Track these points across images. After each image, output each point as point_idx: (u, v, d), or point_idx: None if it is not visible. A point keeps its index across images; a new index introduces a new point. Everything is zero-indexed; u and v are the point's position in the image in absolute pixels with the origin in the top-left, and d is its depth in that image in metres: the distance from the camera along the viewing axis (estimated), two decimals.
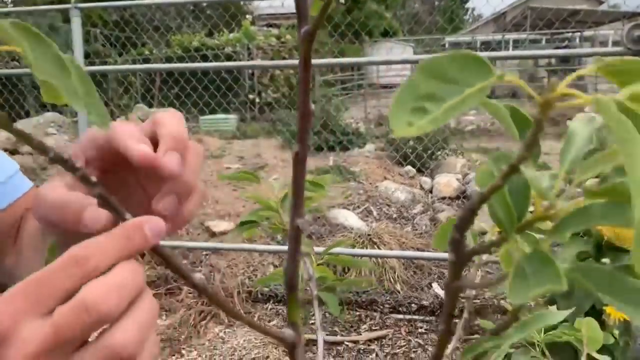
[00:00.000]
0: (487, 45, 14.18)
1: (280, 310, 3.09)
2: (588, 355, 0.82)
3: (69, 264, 0.32)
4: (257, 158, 4.70)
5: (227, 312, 0.43)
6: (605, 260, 2.03)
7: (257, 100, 10.61)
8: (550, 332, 0.86)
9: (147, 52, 10.48)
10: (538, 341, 0.95)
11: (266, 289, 3.24)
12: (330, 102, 5.27)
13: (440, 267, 3.23)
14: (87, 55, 3.23)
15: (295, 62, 6.11)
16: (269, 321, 3.01)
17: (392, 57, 4.94)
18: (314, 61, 3.67)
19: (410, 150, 4.43)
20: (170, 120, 0.42)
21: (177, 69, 4.75)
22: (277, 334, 0.48)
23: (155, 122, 0.42)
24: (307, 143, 0.38)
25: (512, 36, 14.46)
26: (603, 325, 1.98)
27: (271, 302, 3.17)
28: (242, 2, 12.38)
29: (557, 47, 13.54)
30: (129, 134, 0.40)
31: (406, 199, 3.93)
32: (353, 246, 3.26)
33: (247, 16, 13.80)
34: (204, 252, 3.52)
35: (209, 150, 5.17)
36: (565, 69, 12.36)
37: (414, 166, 4.41)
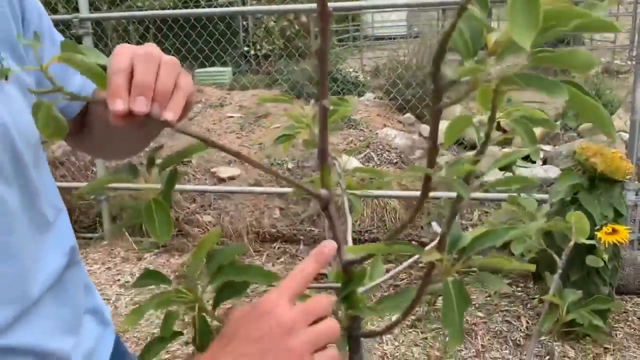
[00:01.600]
0: None
1: (287, 249, 3.25)
2: (576, 243, 0.95)
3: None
4: (258, 107, 4.77)
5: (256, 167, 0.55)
6: (599, 191, 2.17)
7: (252, 52, 10.53)
8: (545, 224, 0.98)
9: (139, 3, 10.32)
10: (534, 231, 1.08)
11: (273, 230, 3.39)
12: (329, 52, 5.25)
13: (438, 206, 3.37)
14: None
15: (293, 6, 6.09)
16: (277, 259, 3.17)
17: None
18: (307, 5, 3.67)
19: (409, 98, 4.51)
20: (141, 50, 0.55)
21: (170, 16, 4.81)
22: (314, 191, 0.60)
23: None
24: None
25: None
26: (594, 250, 2.14)
27: (278, 241, 3.32)
28: None
29: None
30: (114, 83, 0.53)
31: (406, 145, 4.04)
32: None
33: None
34: (212, 197, 3.64)
35: (209, 100, 5.22)
36: None
37: (413, 114, 4.50)
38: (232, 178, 3.85)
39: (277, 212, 3.57)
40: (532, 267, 0.51)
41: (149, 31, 8.48)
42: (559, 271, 0.94)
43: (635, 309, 2.46)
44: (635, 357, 2.15)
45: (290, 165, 3.88)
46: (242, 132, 4.34)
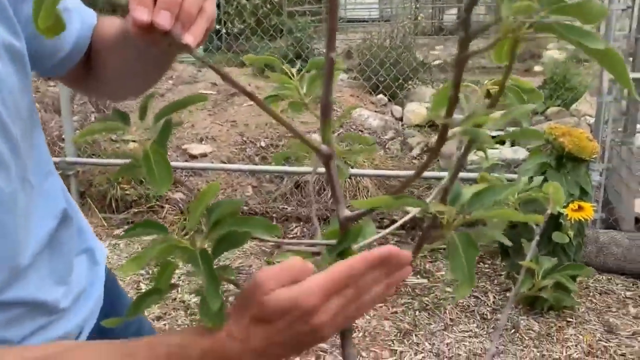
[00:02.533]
0: None
1: None
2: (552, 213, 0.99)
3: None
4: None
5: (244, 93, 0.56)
6: (566, 170, 2.24)
7: (223, 30, 10.37)
8: (523, 193, 1.02)
9: None
10: (512, 201, 1.13)
11: (245, 208, 3.38)
12: (304, 32, 5.25)
13: (410, 187, 3.42)
14: None
15: None
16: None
17: None
18: None
19: (382, 79, 4.53)
20: None
21: None
22: (316, 145, 0.61)
23: None
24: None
25: None
26: (560, 227, 2.21)
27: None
28: None
29: None
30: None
31: (378, 125, 4.07)
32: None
33: None
34: (183, 174, 3.61)
35: (180, 77, 5.15)
36: None
37: (385, 95, 4.53)
38: (203, 155, 3.82)
39: (249, 190, 3.57)
40: (541, 219, 0.53)
41: (116, 14, 8.25)
42: (536, 238, 0.98)
43: (597, 285, 2.56)
44: (596, 329, 2.25)
45: (263, 144, 3.87)
46: (214, 109, 4.30)
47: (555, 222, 2.18)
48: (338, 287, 0.52)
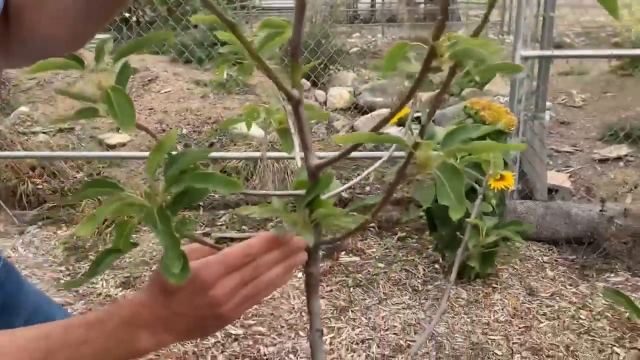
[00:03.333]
0: None
1: (186, 215, 3.15)
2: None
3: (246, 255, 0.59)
4: (147, 72, 4.54)
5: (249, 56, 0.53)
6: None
7: (133, 19, 9.94)
8: (467, 157, 1.05)
9: None
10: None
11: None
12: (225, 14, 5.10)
13: (337, 168, 3.45)
14: None
15: None
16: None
17: None
18: None
19: (303, 65, 4.52)
20: None
21: None
22: (286, 89, 0.59)
23: None
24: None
25: None
26: (484, 197, 2.30)
27: (185, 209, 3.21)
28: None
29: None
30: None
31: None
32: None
33: None
34: (100, 165, 3.43)
35: (90, 65, 4.87)
36: None
37: (307, 80, 4.53)
38: (121, 145, 3.64)
39: None
40: (523, 147, 0.54)
41: None
42: (480, 196, 1.01)
43: (516, 251, 2.71)
44: (519, 293, 2.38)
45: (185, 131, 3.75)
46: (130, 96, 4.10)
47: (477, 192, 2.27)
48: (235, 264, 0.56)
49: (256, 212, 0.70)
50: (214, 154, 3.30)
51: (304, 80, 4.70)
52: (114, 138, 3.64)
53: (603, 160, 3.52)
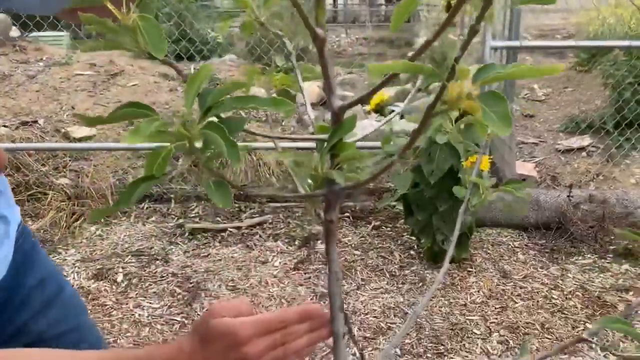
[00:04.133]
0: None
1: (158, 208, 3.10)
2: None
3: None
4: (111, 65, 4.43)
5: None
6: (462, 128, 2.37)
7: None
8: (465, 118, 1.07)
9: None
10: (450, 128, 1.17)
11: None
12: (189, 10, 5.06)
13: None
14: None
15: None
16: (147, 218, 3.01)
17: None
18: None
19: (271, 61, 4.50)
20: None
21: None
22: (313, 27, 0.59)
23: None
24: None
25: None
26: (459, 182, 2.35)
27: (147, 201, 3.15)
28: None
29: None
30: None
31: None
32: None
33: None
34: (68, 158, 3.33)
35: (51, 58, 4.73)
36: None
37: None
38: (88, 138, 3.55)
39: (142, 172, 3.37)
40: (561, 67, 0.54)
41: None
42: (480, 155, 1.03)
43: (489, 238, 2.77)
44: (494, 275, 2.43)
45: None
46: (95, 90, 4.00)
47: (454, 177, 2.32)
48: (269, 327, 0.62)
49: (280, 156, 0.70)
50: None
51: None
52: (81, 131, 3.54)
53: (567, 151, 3.64)
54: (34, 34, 7.19)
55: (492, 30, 2.77)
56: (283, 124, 3.89)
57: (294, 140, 3.16)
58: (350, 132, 0.64)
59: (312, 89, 4.41)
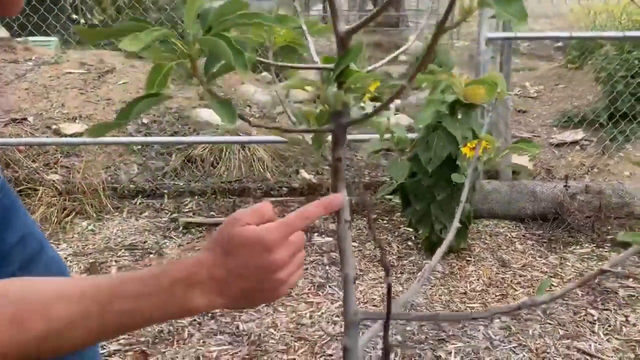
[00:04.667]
0: None
1: (151, 204, 3.05)
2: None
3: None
4: (102, 64, 4.39)
5: None
6: (459, 116, 2.37)
7: (82, 21, 9.66)
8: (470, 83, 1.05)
9: None
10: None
11: (132, 186, 3.15)
12: (182, 6, 5.01)
13: (306, 156, 3.43)
14: None
15: None
16: (140, 214, 2.96)
17: None
18: None
19: (264, 57, 4.47)
20: None
21: None
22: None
23: None
24: None
25: None
26: (457, 169, 2.33)
27: (139, 196, 3.11)
28: None
29: None
30: None
31: (267, 100, 4.03)
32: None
33: None
34: (58, 154, 3.28)
35: (40, 58, 4.67)
36: None
37: (269, 73, 4.49)
38: (78, 135, 3.50)
39: (135, 168, 3.33)
40: (536, 150, 0.52)
41: None
42: (489, 115, 1.01)
43: (486, 229, 2.75)
44: (492, 265, 2.41)
45: (145, 120, 3.64)
46: (85, 88, 3.95)
47: (452, 165, 2.30)
48: (294, 228, 0.58)
49: (291, 84, 0.67)
50: (183, 139, 3.23)
51: (265, 74, 4.67)
52: (71, 128, 3.49)
53: (560, 145, 3.64)
54: (22, 39, 7.13)
55: (487, 23, 2.77)
56: (277, 120, 3.86)
57: (297, 68, 3.13)
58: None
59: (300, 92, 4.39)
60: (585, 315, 2.05)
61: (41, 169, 3.17)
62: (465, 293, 2.20)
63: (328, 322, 2.02)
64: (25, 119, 3.59)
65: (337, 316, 2.05)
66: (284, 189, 3.16)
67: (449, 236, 0.94)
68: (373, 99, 2.32)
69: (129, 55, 4.87)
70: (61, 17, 8.78)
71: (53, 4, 6.14)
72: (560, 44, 8.36)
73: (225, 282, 0.56)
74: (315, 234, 2.70)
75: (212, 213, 2.94)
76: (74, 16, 9.63)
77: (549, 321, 2.01)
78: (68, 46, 7.74)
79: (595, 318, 2.03)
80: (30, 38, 7.26)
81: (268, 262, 0.56)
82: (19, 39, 7.39)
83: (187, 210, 3.00)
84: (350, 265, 0.71)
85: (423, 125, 2.35)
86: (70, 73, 4.22)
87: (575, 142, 3.64)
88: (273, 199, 3.09)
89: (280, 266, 0.57)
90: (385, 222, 2.85)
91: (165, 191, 3.15)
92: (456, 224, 0.94)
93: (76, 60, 4.52)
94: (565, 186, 2.82)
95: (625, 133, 3.46)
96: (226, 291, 0.56)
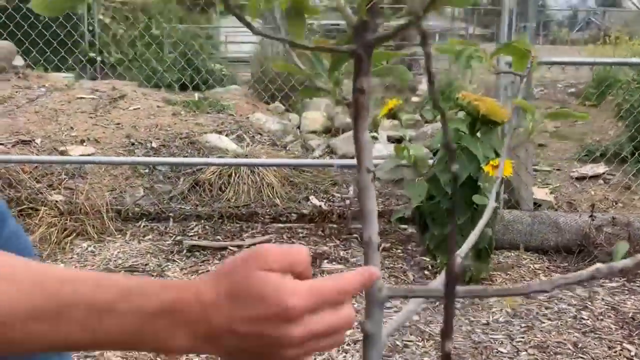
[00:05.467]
0: None
1: (155, 227, 2.94)
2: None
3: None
4: (114, 90, 4.37)
5: None
6: (480, 135, 2.26)
7: (99, 59, 9.81)
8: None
9: None
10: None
11: (137, 209, 3.05)
12: (196, 40, 5.04)
13: (316, 183, 3.32)
14: None
15: None
16: (144, 237, 2.84)
17: None
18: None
19: (279, 89, 4.45)
20: None
21: None
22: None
23: None
24: None
25: None
26: (479, 190, 2.20)
27: (144, 219, 3.00)
28: None
29: None
30: None
31: (278, 129, 3.96)
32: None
33: None
34: (63, 175, 3.20)
35: (53, 85, 4.66)
36: None
37: (283, 104, 4.45)
38: (85, 156, 3.42)
39: (141, 191, 3.24)
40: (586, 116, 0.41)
41: None
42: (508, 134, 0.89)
43: (507, 260, 2.59)
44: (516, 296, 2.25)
45: (154, 144, 3.57)
46: (95, 112, 3.91)
47: (473, 187, 2.17)
48: (325, 301, 0.44)
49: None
50: (191, 160, 3.14)
51: (277, 104, 4.63)
52: (78, 150, 3.42)
53: (581, 178, 3.51)
54: (35, 72, 7.22)
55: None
56: (288, 148, 3.78)
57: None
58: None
59: (316, 118, 4.34)
60: (622, 349, 1.87)
61: (44, 189, 3.08)
62: (487, 324, 2.03)
63: (339, 350, 1.85)
64: (33, 140, 3.53)
65: (349, 344, 1.88)
66: (293, 215, 3.03)
67: (464, 247, 0.81)
68: (390, 116, 2.19)
69: (140, 84, 4.87)
70: (74, 52, 8.92)
71: (67, 39, 6.19)
72: (573, 89, 8.34)
73: (219, 332, 0.43)
74: (325, 260, 2.56)
75: (218, 237, 2.81)
76: (91, 54, 9.79)
77: (581, 355, 1.83)
78: (85, 83, 7.81)
79: (632, 354, 1.85)
80: (48, 74, 7.36)
81: (280, 334, 0.43)
82: (33, 73, 7.48)
83: (192, 234, 2.87)
84: (373, 228, 0.57)
85: (442, 144, 2.24)
86: (81, 98, 4.19)
87: (596, 176, 3.51)
88: (282, 224, 2.96)
89: (293, 344, 0.43)
90: (399, 251, 2.70)
91: (171, 215, 3.04)
92: (471, 242, 0.81)
93: (89, 87, 4.51)
94: (591, 216, 2.68)
95: None
96: (217, 343, 0.44)
